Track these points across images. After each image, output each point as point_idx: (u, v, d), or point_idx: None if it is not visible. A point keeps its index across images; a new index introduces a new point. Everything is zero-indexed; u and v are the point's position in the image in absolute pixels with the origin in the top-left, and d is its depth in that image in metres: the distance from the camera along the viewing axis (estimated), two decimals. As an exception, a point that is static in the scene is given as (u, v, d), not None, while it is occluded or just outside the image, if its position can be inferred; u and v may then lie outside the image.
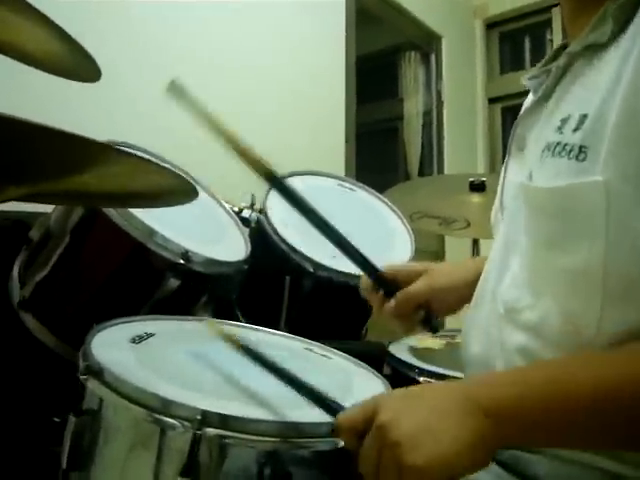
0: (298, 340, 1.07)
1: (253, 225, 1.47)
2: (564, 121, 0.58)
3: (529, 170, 0.63)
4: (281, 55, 2.45)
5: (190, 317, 1.04)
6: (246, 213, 1.53)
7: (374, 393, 0.76)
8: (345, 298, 1.35)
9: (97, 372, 0.70)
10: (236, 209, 1.52)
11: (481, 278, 0.74)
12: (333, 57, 2.72)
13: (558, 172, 0.58)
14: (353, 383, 0.88)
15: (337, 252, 1.38)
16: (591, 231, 0.55)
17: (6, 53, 0.98)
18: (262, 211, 1.43)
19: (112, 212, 1.02)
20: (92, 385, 0.69)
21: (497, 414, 0.52)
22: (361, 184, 1.72)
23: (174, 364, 0.79)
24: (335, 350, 1.03)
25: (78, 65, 0.97)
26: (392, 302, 0.83)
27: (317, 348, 1.03)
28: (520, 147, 0.69)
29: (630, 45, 0.53)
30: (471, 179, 1.83)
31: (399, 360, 1.29)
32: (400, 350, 1.36)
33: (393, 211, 1.64)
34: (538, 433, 0.53)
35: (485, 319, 0.69)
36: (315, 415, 0.66)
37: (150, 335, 0.88)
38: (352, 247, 0.82)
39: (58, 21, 0.95)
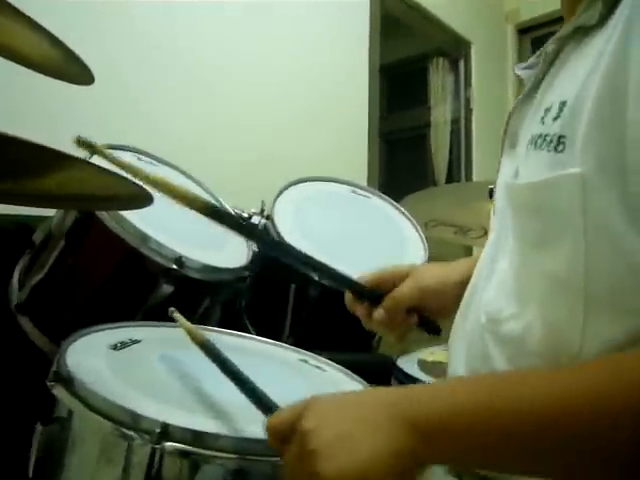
0: (294, 351, 1.04)
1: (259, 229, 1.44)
2: (547, 111, 0.54)
3: (516, 167, 0.58)
4: (304, 60, 2.44)
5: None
6: (255, 219, 1.51)
7: None
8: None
9: (65, 379, 0.68)
10: (245, 215, 1.49)
11: (469, 285, 0.69)
12: (357, 63, 2.69)
13: (539, 166, 0.53)
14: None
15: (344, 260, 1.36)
16: (570, 231, 0.50)
17: (5, 56, 0.98)
18: (269, 217, 1.40)
19: (105, 216, 1.01)
20: (59, 393, 0.67)
21: (424, 429, 0.47)
22: (375, 191, 1.68)
23: (147, 373, 0.76)
24: (331, 362, 0.99)
25: (72, 68, 0.96)
26: (380, 310, 0.79)
27: (312, 360, 1.00)
28: (512, 144, 0.64)
29: (614, 25, 0.49)
30: (490, 186, 1.76)
31: (406, 374, 1.25)
32: (408, 363, 1.32)
33: (407, 219, 1.60)
34: (469, 453, 0.48)
35: (469, 329, 0.64)
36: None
37: (135, 342, 0.86)
38: (319, 263, 0.78)
39: (62, 23, 0.95)
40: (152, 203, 0.69)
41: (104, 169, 0.55)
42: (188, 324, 0.76)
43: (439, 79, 3.51)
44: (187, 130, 1.96)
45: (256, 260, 1.38)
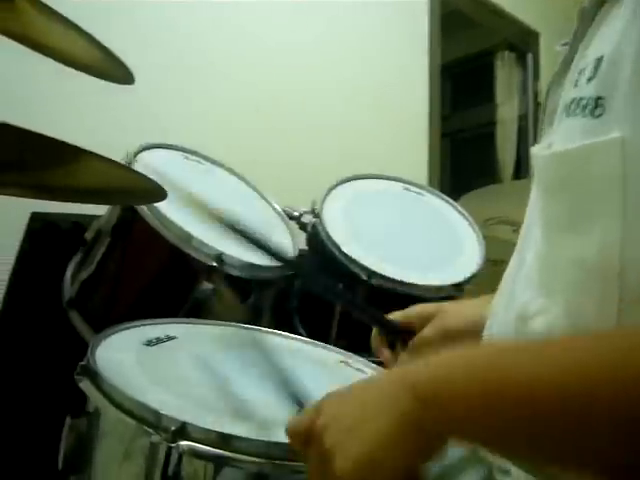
0: (336, 352, 1.01)
1: (309, 230, 1.42)
2: (581, 72, 0.48)
3: (549, 142, 0.52)
4: (362, 60, 2.41)
5: (222, 322, 1.01)
6: (306, 218, 1.49)
7: None
8: (402, 308, 1.27)
9: (91, 373, 0.68)
10: (296, 214, 1.48)
11: (501, 283, 0.63)
12: (416, 62, 2.63)
13: (571, 134, 0.47)
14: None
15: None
16: (606, 207, 0.44)
17: (51, 57, 1.01)
18: (317, 215, 1.38)
19: (147, 213, 1.02)
20: (85, 386, 0.67)
21: (426, 397, 0.43)
22: (430, 188, 1.63)
23: (175, 370, 0.76)
24: (372, 364, 0.96)
25: (113, 69, 0.98)
26: (404, 355, 0.75)
27: (354, 361, 0.97)
28: (551, 122, 0.58)
29: None
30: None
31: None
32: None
33: (463, 217, 1.53)
34: (475, 425, 0.43)
35: (497, 330, 0.59)
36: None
37: (170, 338, 0.86)
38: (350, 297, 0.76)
39: (97, 23, 0.96)
40: (165, 198, 0.68)
41: (119, 163, 0.54)
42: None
43: (506, 74, 3.38)
44: (241, 129, 1.97)
45: (306, 260, 1.37)
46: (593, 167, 0.44)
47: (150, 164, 1.10)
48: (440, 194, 1.61)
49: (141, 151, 1.15)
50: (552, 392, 0.38)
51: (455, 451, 0.66)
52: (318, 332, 1.24)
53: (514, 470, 0.52)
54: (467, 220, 1.53)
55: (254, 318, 1.18)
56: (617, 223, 0.43)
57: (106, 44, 0.95)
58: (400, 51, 2.57)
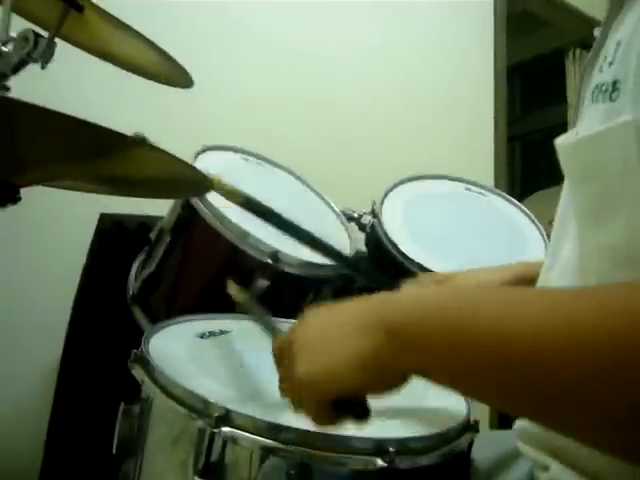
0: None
1: (368, 230, 1.42)
2: (605, 57, 0.46)
3: (576, 131, 0.50)
4: (425, 63, 2.39)
5: (280, 319, 1.02)
6: (366, 219, 1.49)
7: (449, 403, 0.69)
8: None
9: (142, 361, 0.70)
10: (356, 215, 1.48)
11: (539, 279, 0.61)
12: (481, 64, 2.58)
13: (593, 120, 0.45)
14: (428, 393, 0.80)
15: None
16: (627, 192, 0.42)
17: (119, 65, 1.07)
18: (376, 216, 1.37)
19: (206, 211, 1.04)
20: (137, 373, 0.70)
21: (397, 333, 0.44)
22: (493, 188, 1.59)
23: (225, 362, 0.77)
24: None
25: (174, 74, 1.02)
26: None
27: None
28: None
29: None
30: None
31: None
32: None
33: (528, 217, 1.49)
34: (441, 368, 0.44)
35: None
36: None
37: (223, 332, 0.88)
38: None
39: (156, 28, 1.01)
40: (210, 191, 0.70)
41: (168, 153, 0.56)
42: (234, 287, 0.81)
43: (577, 73, 3.26)
44: (305, 133, 1.99)
45: (363, 261, 1.36)
46: (611, 151, 0.43)
47: (210, 165, 1.13)
48: (503, 194, 1.57)
49: (201, 152, 1.19)
50: (521, 343, 0.38)
51: (501, 448, 0.64)
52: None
53: (554, 466, 0.50)
54: (531, 220, 1.48)
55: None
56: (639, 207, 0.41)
57: (165, 46, 1.00)
58: (464, 54, 2.53)
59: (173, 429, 0.65)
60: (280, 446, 0.59)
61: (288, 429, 0.60)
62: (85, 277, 1.32)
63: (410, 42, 2.34)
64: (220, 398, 0.62)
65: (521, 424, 0.57)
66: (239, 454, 0.60)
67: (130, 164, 0.58)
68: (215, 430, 0.59)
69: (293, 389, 0.50)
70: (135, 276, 1.20)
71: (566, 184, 0.54)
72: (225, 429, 0.59)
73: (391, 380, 0.48)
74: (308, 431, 0.60)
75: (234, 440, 0.59)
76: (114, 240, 1.33)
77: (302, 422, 0.62)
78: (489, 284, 0.72)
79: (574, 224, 0.51)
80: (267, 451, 0.59)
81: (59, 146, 0.52)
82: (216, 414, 0.59)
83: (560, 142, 0.50)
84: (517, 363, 0.37)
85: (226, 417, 0.60)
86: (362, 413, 0.50)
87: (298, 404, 0.51)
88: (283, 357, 0.52)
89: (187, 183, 0.69)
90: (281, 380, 0.54)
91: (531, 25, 3.35)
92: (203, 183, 0.65)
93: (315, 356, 0.48)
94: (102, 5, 0.98)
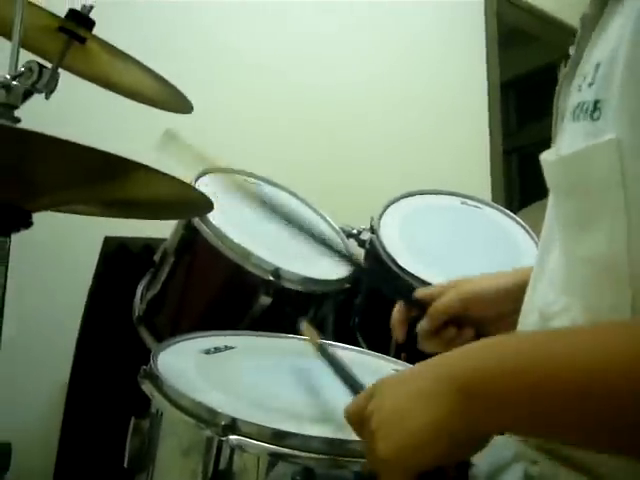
0: (391, 362, 1.03)
1: (367, 247, 1.45)
2: (585, 77, 0.49)
3: (558, 147, 0.54)
4: (422, 77, 2.44)
5: (281, 334, 1.05)
6: (365, 235, 1.52)
7: None
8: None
9: (152, 376, 0.73)
10: (355, 231, 1.51)
11: (528, 287, 0.64)
12: (474, 79, 2.64)
13: (575, 138, 0.48)
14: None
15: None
16: (609, 206, 0.45)
17: (115, 91, 1.11)
18: (374, 232, 1.40)
19: (208, 232, 1.08)
20: (146, 388, 0.72)
21: (471, 389, 0.45)
22: (488, 202, 1.62)
23: (231, 375, 0.80)
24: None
25: (174, 101, 1.06)
26: (422, 322, 0.76)
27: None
28: (561, 127, 0.59)
29: None
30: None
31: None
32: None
33: (523, 228, 1.52)
34: (521, 414, 0.44)
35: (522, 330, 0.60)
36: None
37: (229, 348, 0.91)
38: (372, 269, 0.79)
39: (155, 57, 1.05)
40: (212, 210, 0.73)
41: (167, 174, 0.59)
42: (309, 330, 0.80)
43: (570, 85, 3.30)
44: (299, 149, 2.03)
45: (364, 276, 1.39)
46: (594, 169, 0.46)
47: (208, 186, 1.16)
48: (499, 207, 1.60)
49: (201, 175, 1.22)
50: (592, 379, 0.40)
51: (500, 452, 0.66)
52: (378, 347, 1.26)
53: (542, 460, 0.52)
54: (526, 231, 1.51)
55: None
56: (622, 220, 0.44)
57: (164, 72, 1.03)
58: (458, 70, 2.58)
59: (182, 440, 0.67)
60: (285, 452, 0.62)
61: (293, 435, 0.62)
62: (91, 299, 1.35)
63: (403, 58, 2.39)
64: (227, 408, 0.65)
65: None
66: (246, 461, 0.62)
67: (133, 187, 0.61)
68: (223, 438, 0.61)
69: (378, 466, 0.49)
70: (141, 297, 1.23)
71: (551, 197, 0.57)
72: (232, 437, 0.61)
73: (473, 443, 0.47)
74: (311, 436, 0.63)
75: (241, 447, 0.62)
76: (119, 262, 1.36)
77: (306, 429, 0.65)
78: (493, 289, 0.74)
79: (559, 236, 0.54)
80: (273, 457, 0.62)
81: (67, 172, 0.55)
82: (223, 423, 0.62)
83: (544, 158, 0.53)
84: (597, 392, 0.40)
85: (233, 425, 0.62)
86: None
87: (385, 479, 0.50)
88: (363, 430, 0.51)
89: (188, 204, 0.72)
90: (367, 455, 0.52)
91: (523, 41, 3.41)
92: (204, 203, 0.68)
93: (393, 433, 0.47)
94: (102, 35, 1.02)
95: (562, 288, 0.52)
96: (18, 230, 0.60)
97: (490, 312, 0.75)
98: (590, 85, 0.48)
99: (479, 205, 1.58)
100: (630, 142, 0.43)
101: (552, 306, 0.53)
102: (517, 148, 4.05)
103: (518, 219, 1.56)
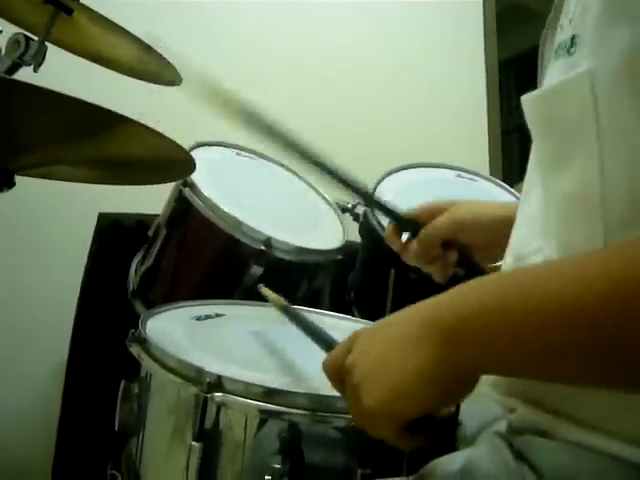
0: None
1: (362, 220, 1.45)
2: (566, 16, 0.48)
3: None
4: (417, 54, 2.42)
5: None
6: (359, 210, 1.52)
7: None
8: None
9: (140, 339, 0.73)
10: (349, 206, 1.51)
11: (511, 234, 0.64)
12: (473, 58, 2.62)
13: (553, 75, 0.48)
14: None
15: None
16: (583, 140, 0.44)
17: (105, 65, 1.10)
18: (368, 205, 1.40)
19: (199, 203, 1.08)
20: (134, 350, 0.73)
21: (456, 330, 0.44)
22: (483, 174, 1.62)
23: (219, 339, 0.80)
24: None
25: (164, 72, 1.05)
26: (414, 242, 0.77)
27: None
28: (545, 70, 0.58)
29: None
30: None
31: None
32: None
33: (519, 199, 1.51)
34: (506, 354, 0.43)
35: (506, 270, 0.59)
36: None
37: (219, 315, 0.91)
38: (354, 183, 0.84)
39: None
40: (194, 170, 0.72)
41: (152, 129, 0.59)
42: (270, 293, 0.81)
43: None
44: (293, 124, 2.02)
45: (362, 248, 1.39)
46: (568, 103, 0.45)
47: (202, 159, 1.16)
48: (494, 179, 1.60)
49: (194, 148, 1.22)
50: (565, 314, 0.40)
51: (488, 412, 0.66)
52: (369, 317, 1.26)
53: (520, 407, 0.52)
54: (522, 203, 1.50)
55: (311, 305, 1.22)
56: (594, 154, 0.44)
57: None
58: (455, 49, 2.55)
59: (170, 400, 0.68)
60: (271, 408, 0.62)
61: (279, 392, 0.63)
62: (87, 275, 1.36)
63: (400, 34, 2.38)
64: (213, 367, 0.65)
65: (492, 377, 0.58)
66: (232, 418, 0.63)
67: (119, 143, 0.61)
68: (208, 395, 0.62)
69: (365, 420, 0.49)
70: (135, 272, 1.23)
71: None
72: (217, 394, 0.62)
73: (461, 386, 0.46)
74: (298, 393, 0.63)
75: (226, 405, 0.62)
76: (113, 238, 1.36)
77: (292, 386, 0.65)
78: (490, 218, 0.75)
79: (538, 177, 0.53)
80: (258, 414, 0.62)
81: (51, 127, 0.55)
82: (208, 380, 0.62)
83: (524, 97, 0.53)
84: (577, 323, 0.39)
85: (219, 383, 0.62)
86: (438, 429, 0.49)
87: (375, 432, 0.49)
88: (344, 385, 0.50)
89: (176, 163, 0.72)
90: (350, 409, 0.51)
91: (523, 17, 3.37)
92: (187, 162, 0.68)
93: (378, 383, 0.46)
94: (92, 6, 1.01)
95: (539, 231, 0.52)
96: (1, 190, 0.60)
97: (479, 239, 0.75)
98: (570, 21, 0.47)
99: (474, 178, 1.58)
100: (603, 74, 0.43)
101: (526, 247, 0.53)
102: (518, 127, 4.02)
103: (513, 191, 1.55)
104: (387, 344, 0.47)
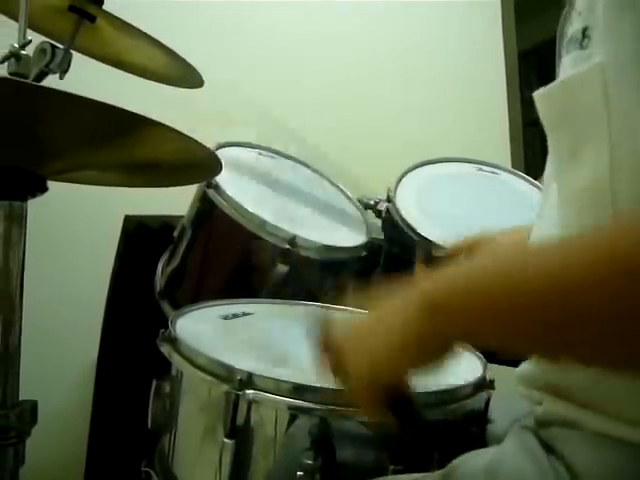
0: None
1: (384, 215, 1.45)
2: (576, 9, 0.48)
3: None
4: (436, 46, 2.41)
5: (298, 302, 1.06)
6: (382, 206, 1.52)
7: (470, 371, 0.71)
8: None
9: (171, 339, 0.75)
10: (372, 202, 1.51)
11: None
12: (492, 49, 2.59)
13: (565, 69, 0.48)
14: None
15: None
16: (595, 134, 0.44)
17: (127, 69, 1.12)
18: (390, 200, 1.40)
19: (223, 203, 1.09)
20: (165, 350, 0.74)
21: (435, 304, 0.45)
22: (505, 167, 1.61)
23: (248, 337, 0.81)
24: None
25: (186, 76, 1.07)
26: None
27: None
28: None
29: None
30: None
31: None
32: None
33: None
34: (481, 325, 0.44)
35: None
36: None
37: (246, 314, 0.92)
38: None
39: (166, 31, 1.06)
40: (220, 171, 0.73)
41: (180, 132, 0.60)
42: None
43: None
44: (316, 124, 2.02)
45: (385, 244, 1.39)
46: (580, 96, 0.46)
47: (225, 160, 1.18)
48: (516, 172, 1.59)
49: (217, 149, 1.23)
50: (550, 291, 0.39)
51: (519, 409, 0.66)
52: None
53: (547, 400, 0.53)
54: (547, 195, 1.49)
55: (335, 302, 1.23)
56: (605, 148, 0.44)
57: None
58: (473, 41, 2.54)
59: (201, 397, 0.69)
60: (301, 404, 0.63)
61: (307, 388, 0.63)
62: (115, 277, 1.38)
63: (419, 28, 2.37)
64: (243, 365, 0.66)
65: (520, 369, 0.59)
66: (264, 414, 0.64)
67: (149, 148, 0.62)
68: (239, 393, 0.63)
69: (348, 381, 0.51)
70: (161, 272, 1.25)
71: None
72: (249, 391, 0.63)
73: (441, 349, 0.48)
74: (326, 389, 0.64)
75: (257, 401, 0.63)
76: (139, 240, 1.38)
77: (321, 382, 0.66)
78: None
79: (554, 173, 0.53)
80: (289, 410, 0.63)
81: (81, 132, 0.56)
82: (239, 378, 0.63)
83: (535, 94, 0.53)
84: (554, 302, 0.39)
85: (249, 380, 0.63)
86: (412, 417, 0.52)
87: (355, 395, 0.52)
88: (332, 354, 0.53)
89: (203, 165, 0.73)
90: (336, 375, 0.54)
91: (542, 7, 3.33)
92: (217, 165, 0.69)
93: (363, 351, 0.49)
94: (110, 10, 1.03)
95: (558, 225, 0.52)
96: (34, 195, 0.62)
97: None
98: (580, 14, 0.47)
99: (496, 171, 1.57)
100: (613, 66, 0.43)
101: (548, 241, 0.53)
102: (538, 119, 3.98)
103: (536, 183, 1.54)
104: (376, 317, 0.50)
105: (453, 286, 0.46)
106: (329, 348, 0.53)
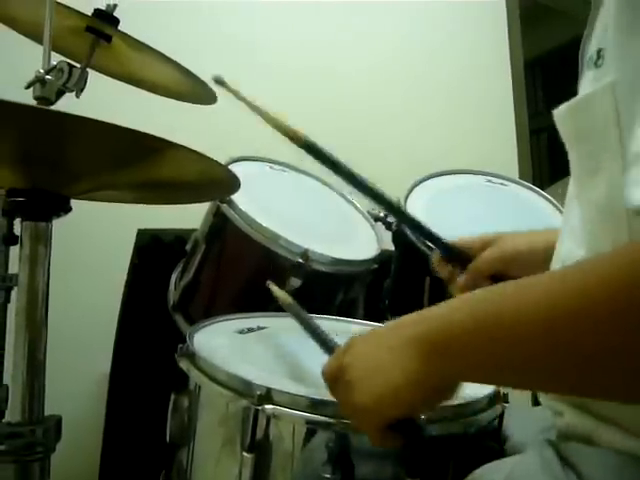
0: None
1: (394, 228, 1.46)
2: (595, 28, 0.51)
3: None
4: (441, 56, 2.43)
5: (312, 315, 1.06)
6: (391, 219, 1.53)
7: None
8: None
9: (189, 353, 0.76)
10: (382, 215, 1.52)
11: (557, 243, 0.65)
12: (498, 59, 2.61)
13: (583, 88, 0.50)
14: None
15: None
16: (609, 150, 0.46)
17: (141, 86, 1.14)
18: (401, 212, 1.41)
19: (236, 217, 1.10)
20: (183, 365, 0.75)
21: (434, 347, 0.47)
22: (514, 178, 1.62)
23: (265, 352, 0.82)
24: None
25: (199, 92, 1.09)
26: (463, 275, 0.77)
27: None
28: None
29: None
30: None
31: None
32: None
33: (550, 202, 1.51)
34: (485, 368, 0.46)
35: None
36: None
37: (261, 328, 0.93)
38: (410, 217, 0.78)
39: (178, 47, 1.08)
40: (239, 189, 0.75)
41: (200, 153, 0.61)
42: (277, 290, 0.86)
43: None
44: (325, 136, 2.04)
45: (395, 256, 1.40)
46: (594, 114, 0.47)
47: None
48: (525, 183, 1.59)
49: (229, 164, 1.25)
50: (539, 330, 0.41)
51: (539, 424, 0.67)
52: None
53: (568, 412, 0.54)
54: (554, 205, 1.50)
55: (346, 314, 1.24)
56: (618, 166, 0.45)
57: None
58: (479, 50, 2.56)
59: (220, 412, 0.70)
60: (320, 419, 0.64)
61: (326, 403, 0.64)
62: (128, 290, 1.40)
63: (424, 37, 2.38)
64: (261, 380, 0.67)
65: None
66: (282, 429, 0.65)
67: (168, 168, 0.64)
68: (259, 408, 0.64)
69: (354, 414, 0.54)
70: (175, 286, 1.26)
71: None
72: (268, 406, 0.64)
73: (447, 388, 0.51)
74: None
75: (277, 416, 0.64)
76: (152, 253, 1.40)
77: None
78: (528, 249, 0.76)
79: (574, 188, 0.55)
80: (307, 425, 0.64)
81: (104, 155, 0.58)
82: (258, 393, 0.64)
83: (554, 111, 0.55)
84: (563, 328, 0.41)
85: (268, 395, 0.64)
86: (416, 433, 0.54)
87: (361, 426, 0.54)
88: (337, 384, 0.55)
89: (221, 184, 0.75)
90: (341, 407, 0.56)
91: (547, 17, 3.35)
92: (235, 184, 0.71)
93: (370, 382, 0.51)
94: (126, 30, 1.05)
95: (580, 241, 0.53)
96: (58, 215, 0.63)
97: (526, 271, 0.76)
98: (596, 35, 0.49)
99: (505, 182, 1.58)
100: (622, 85, 0.45)
101: (571, 258, 0.54)
102: (545, 127, 3.98)
103: (545, 194, 1.54)
104: (377, 351, 0.52)
105: (451, 328, 0.48)
106: (334, 375, 0.55)
